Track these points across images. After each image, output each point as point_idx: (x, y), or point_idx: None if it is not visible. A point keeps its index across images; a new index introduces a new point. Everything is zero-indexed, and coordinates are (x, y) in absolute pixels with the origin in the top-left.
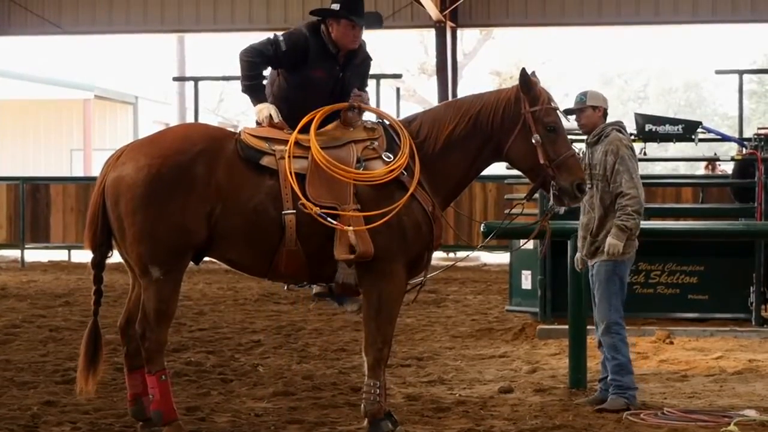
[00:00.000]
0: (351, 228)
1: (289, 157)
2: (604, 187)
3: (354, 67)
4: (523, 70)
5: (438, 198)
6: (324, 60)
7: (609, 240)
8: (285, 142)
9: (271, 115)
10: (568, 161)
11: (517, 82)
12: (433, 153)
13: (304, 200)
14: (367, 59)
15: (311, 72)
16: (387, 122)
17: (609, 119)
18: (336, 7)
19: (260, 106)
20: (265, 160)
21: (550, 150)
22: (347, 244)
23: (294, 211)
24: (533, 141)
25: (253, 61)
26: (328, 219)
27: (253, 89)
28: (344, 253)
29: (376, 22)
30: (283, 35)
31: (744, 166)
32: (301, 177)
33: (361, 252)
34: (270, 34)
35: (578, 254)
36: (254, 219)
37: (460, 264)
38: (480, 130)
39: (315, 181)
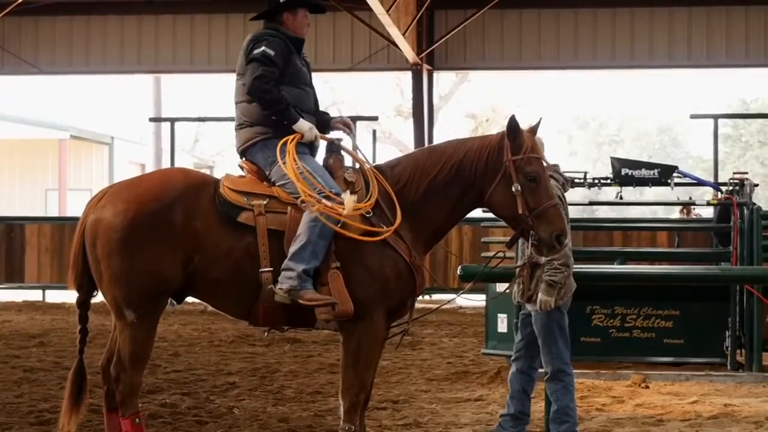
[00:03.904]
0: (335, 300)
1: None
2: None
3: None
4: (512, 117)
5: (420, 243)
6: (294, 50)
7: (540, 296)
8: (264, 196)
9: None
10: (548, 212)
11: (498, 126)
12: (415, 198)
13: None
14: (305, 55)
15: (296, 61)
16: (361, 166)
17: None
18: None
19: (303, 126)
20: (243, 217)
21: (529, 200)
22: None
23: (271, 269)
24: (513, 190)
25: (270, 89)
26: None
27: (286, 111)
28: (324, 313)
29: (321, 7)
30: (264, 46)
31: (727, 210)
32: (279, 234)
33: (341, 312)
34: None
35: (516, 288)
36: (231, 274)
37: (436, 306)
38: (463, 176)
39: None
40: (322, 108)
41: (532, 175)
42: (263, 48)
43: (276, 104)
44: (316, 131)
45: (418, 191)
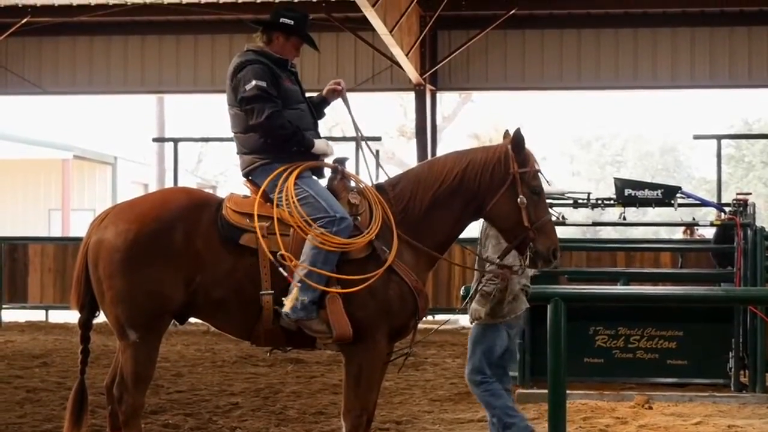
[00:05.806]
0: (334, 337)
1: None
2: (479, 252)
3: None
4: (518, 129)
5: (422, 261)
6: (280, 71)
7: (472, 305)
8: (267, 218)
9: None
10: (546, 226)
11: (499, 141)
12: (419, 214)
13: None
14: (294, 65)
15: (284, 84)
16: (362, 185)
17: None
18: (289, 21)
19: (322, 146)
20: (245, 239)
21: (532, 213)
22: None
23: (272, 292)
24: (518, 202)
25: (284, 124)
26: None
27: (303, 139)
28: (322, 339)
29: (314, 45)
30: (254, 80)
31: (724, 231)
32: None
33: (338, 336)
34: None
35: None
36: (233, 296)
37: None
38: (466, 187)
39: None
40: (323, 127)
41: (536, 189)
42: (254, 82)
43: (293, 136)
44: (331, 145)
45: (422, 206)
